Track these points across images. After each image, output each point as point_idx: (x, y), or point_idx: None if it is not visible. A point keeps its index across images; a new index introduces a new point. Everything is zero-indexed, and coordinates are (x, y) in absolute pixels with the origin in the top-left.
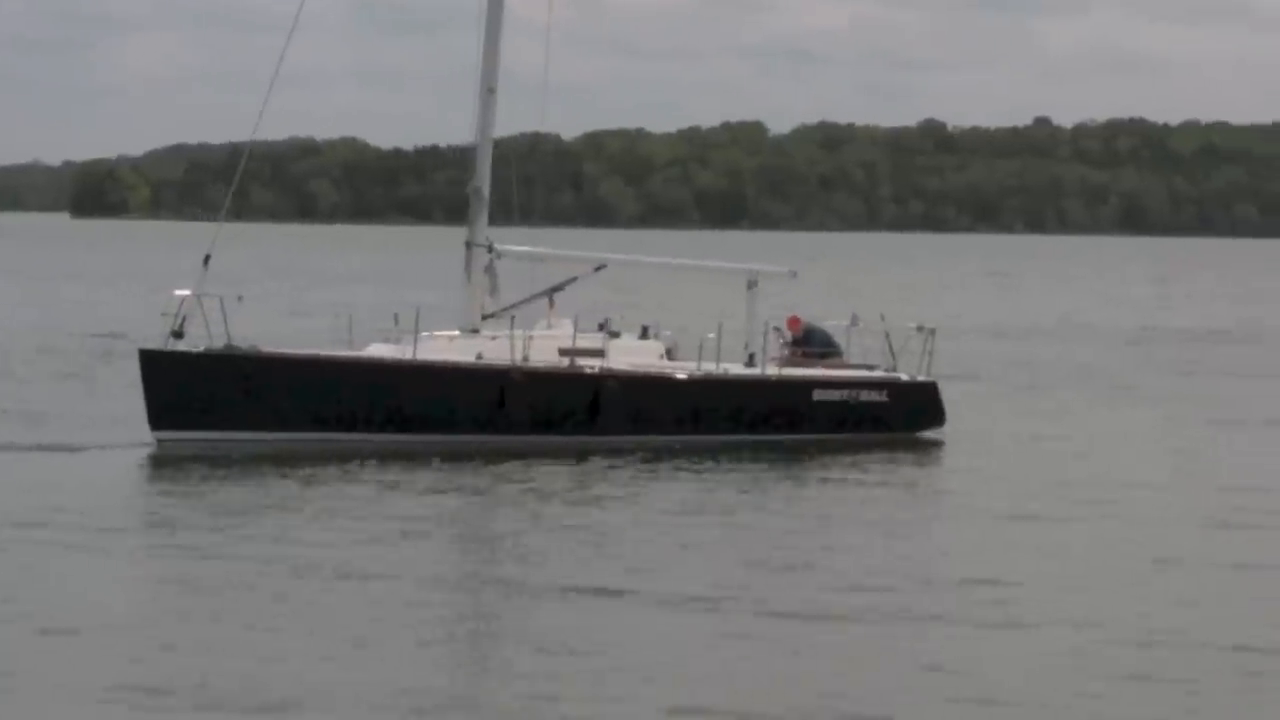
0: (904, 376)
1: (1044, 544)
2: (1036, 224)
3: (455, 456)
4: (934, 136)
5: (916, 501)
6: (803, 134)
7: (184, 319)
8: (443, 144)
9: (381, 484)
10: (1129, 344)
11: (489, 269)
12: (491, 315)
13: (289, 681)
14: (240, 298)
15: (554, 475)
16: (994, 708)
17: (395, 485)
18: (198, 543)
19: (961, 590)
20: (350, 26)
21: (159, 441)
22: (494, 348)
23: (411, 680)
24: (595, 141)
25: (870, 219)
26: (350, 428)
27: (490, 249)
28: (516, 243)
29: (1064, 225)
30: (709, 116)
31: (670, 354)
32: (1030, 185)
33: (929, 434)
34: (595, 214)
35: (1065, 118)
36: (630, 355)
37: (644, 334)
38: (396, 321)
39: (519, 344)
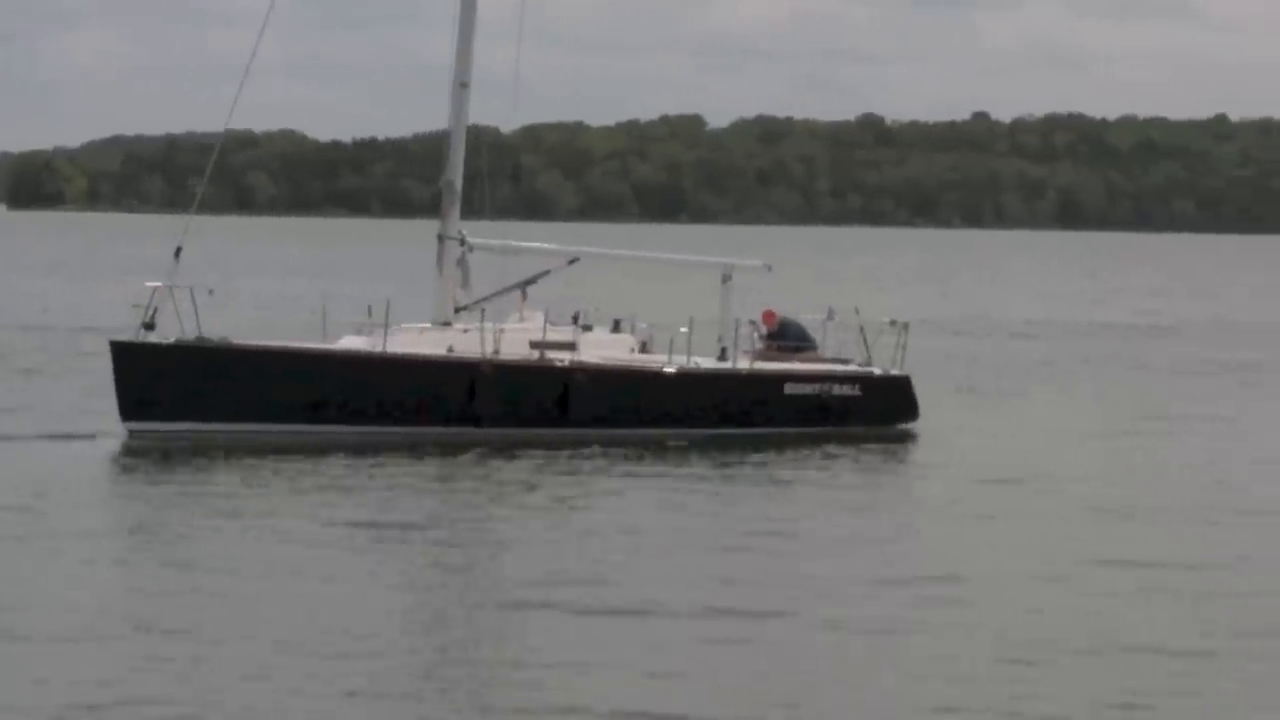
0: (877, 371)
1: (1002, 542)
2: (974, 218)
3: (425, 449)
4: (872, 130)
5: (881, 499)
6: (741, 128)
7: (155, 310)
8: (381, 137)
9: (350, 479)
10: (1085, 338)
11: (461, 262)
12: (464, 308)
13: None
14: (211, 290)
15: (522, 471)
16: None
17: (363, 480)
18: (164, 543)
19: (916, 589)
20: (289, 20)
21: (130, 432)
22: (465, 340)
23: (373, 689)
24: (534, 135)
25: (808, 213)
26: (321, 420)
27: (462, 242)
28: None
29: (1001, 219)
30: (648, 110)
31: (645, 347)
32: (968, 179)
33: (903, 428)
34: (534, 207)
35: (1003, 112)
36: (601, 349)
37: (616, 327)
38: (370, 314)
39: (490, 337)
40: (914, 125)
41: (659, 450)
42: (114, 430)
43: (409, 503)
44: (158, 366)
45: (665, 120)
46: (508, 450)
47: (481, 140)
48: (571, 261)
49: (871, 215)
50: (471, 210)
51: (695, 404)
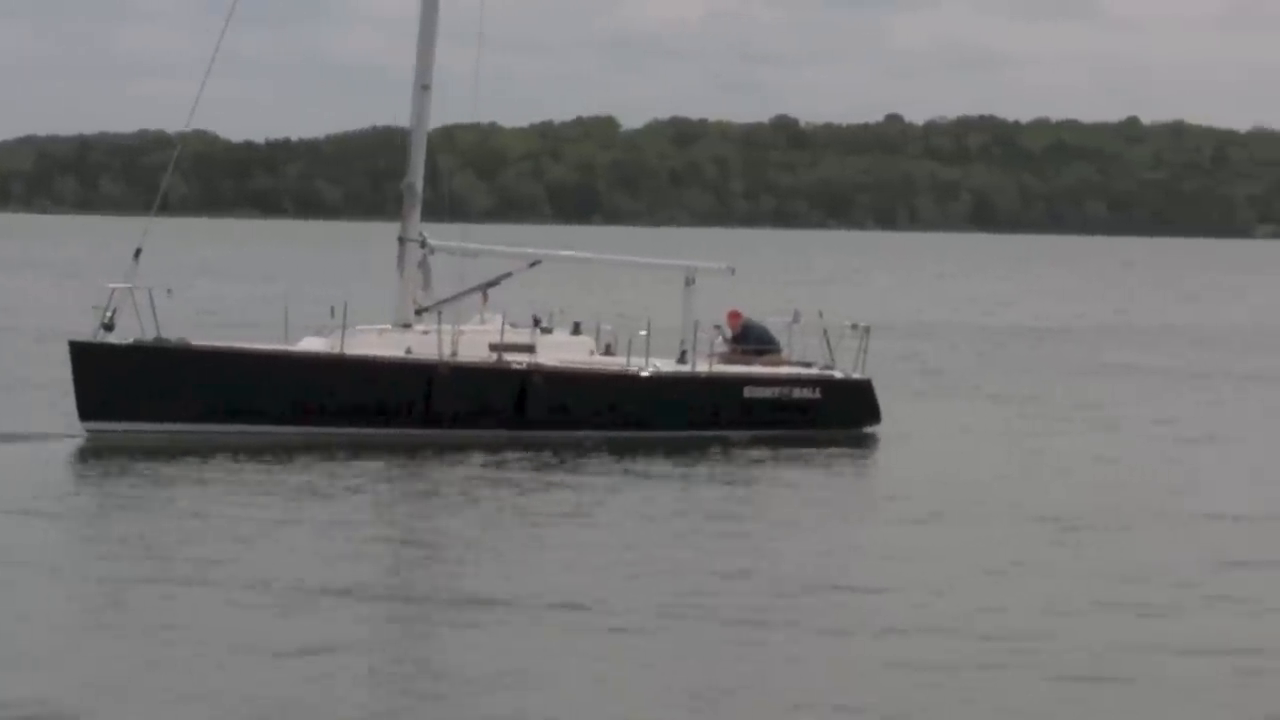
0: (838, 374)
1: (950, 548)
2: (888, 220)
3: (381, 450)
4: (786, 132)
5: (830, 503)
6: (655, 129)
7: (114, 311)
8: (294, 137)
9: (307, 479)
10: (1023, 340)
11: (422, 264)
12: (425, 310)
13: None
14: (169, 291)
15: (478, 474)
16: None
17: (319, 481)
18: (120, 543)
19: (859, 597)
20: (199, 17)
21: (88, 432)
22: (423, 342)
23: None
24: (448, 135)
25: (722, 214)
26: (279, 420)
27: (423, 244)
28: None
29: (915, 221)
30: (562, 110)
31: (610, 350)
32: (881, 181)
33: (864, 431)
34: (448, 207)
35: (916, 114)
36: (560, 351)
37: (576, 330)
38: (332, 314)
39: (448, 339)
40: (827, 127)
41: (610, 453)
42: (73, 430)
43: (362, 504)
44: (116, 367)
45: (579, 121)
46: (464, 451)
47: (394, 140)
48: (533, 264)
49: (785, 217)
50: (381, 210)
51: (653, 406)
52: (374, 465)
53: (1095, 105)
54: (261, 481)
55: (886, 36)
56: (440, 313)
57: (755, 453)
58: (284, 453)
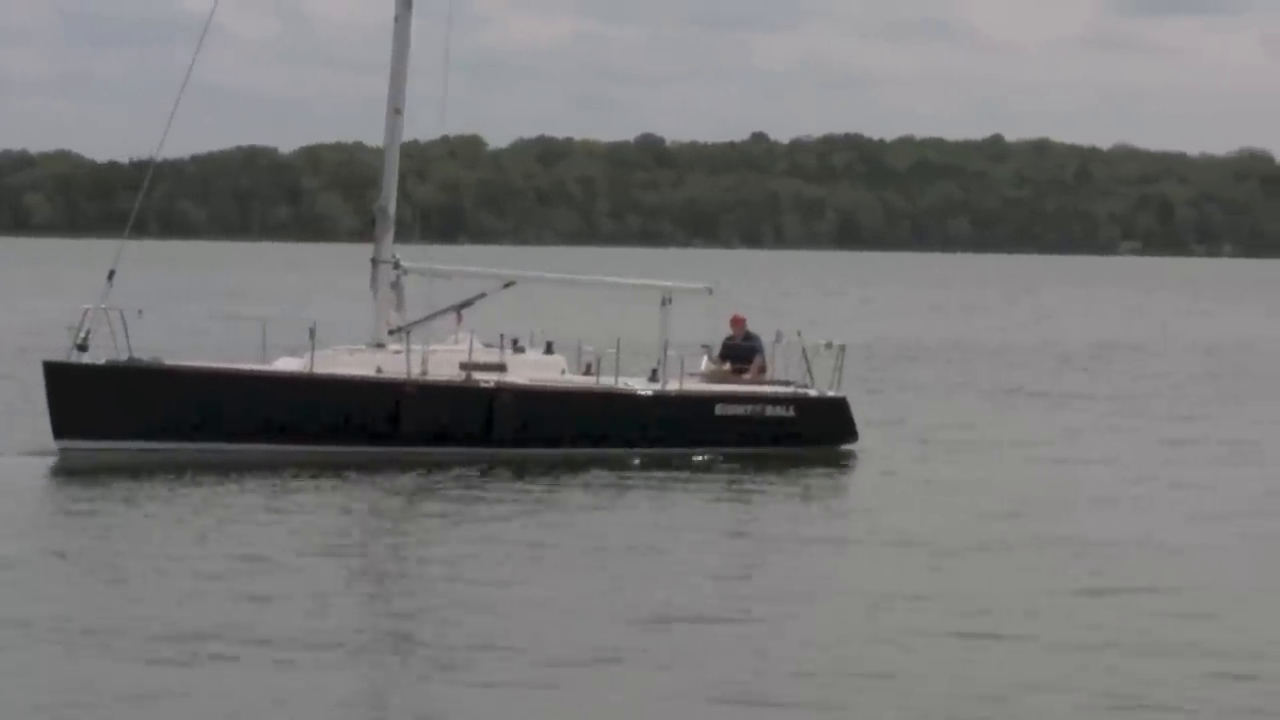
0: (812, 392)
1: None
2: (753, 238)
3: (351, 468)
4: (651, 151)
5: (794, 523)
6: (521, 148)
7: (88, 332)
8: (158, 158)
9: (276, 498)
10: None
11: (395, 285)
12: (398, 330)
13: None
14: (140, 311)
15: (446, 492)
16: None
17: (290, 500)
18: (90, 560)
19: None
20: (60, 37)
21: (62, 450)
22: (394, 362)
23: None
24: (313, 155)
25: (588, 233)
26: (250, 439)
27: (396, 266)
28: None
29: (780, 240)
30: (427, 130)
31: (590, 369)
32: (747, 200)
33: (840, 449)
34: (312, 228)
35: (782, 133)
36: (531, 370)
37: (548, 350)
38: (312, 335)
39: (418, 358)
40: (692, 146)
41: (574, 471)
42: (47, 448)
43: (330, 522)
44: (90, 386)
45: (445, 140)
46: (433, 469)
47: (258, 161)
48: (507, 285)
49: (650, 236)
50: (247, 230)
51: (621, 424)
52: (341, 483)
53: (959, 124)
54: (231, 499)
55: (751, 56)
56: (409, 333)
57: (722, 472)
58: (255, 470)
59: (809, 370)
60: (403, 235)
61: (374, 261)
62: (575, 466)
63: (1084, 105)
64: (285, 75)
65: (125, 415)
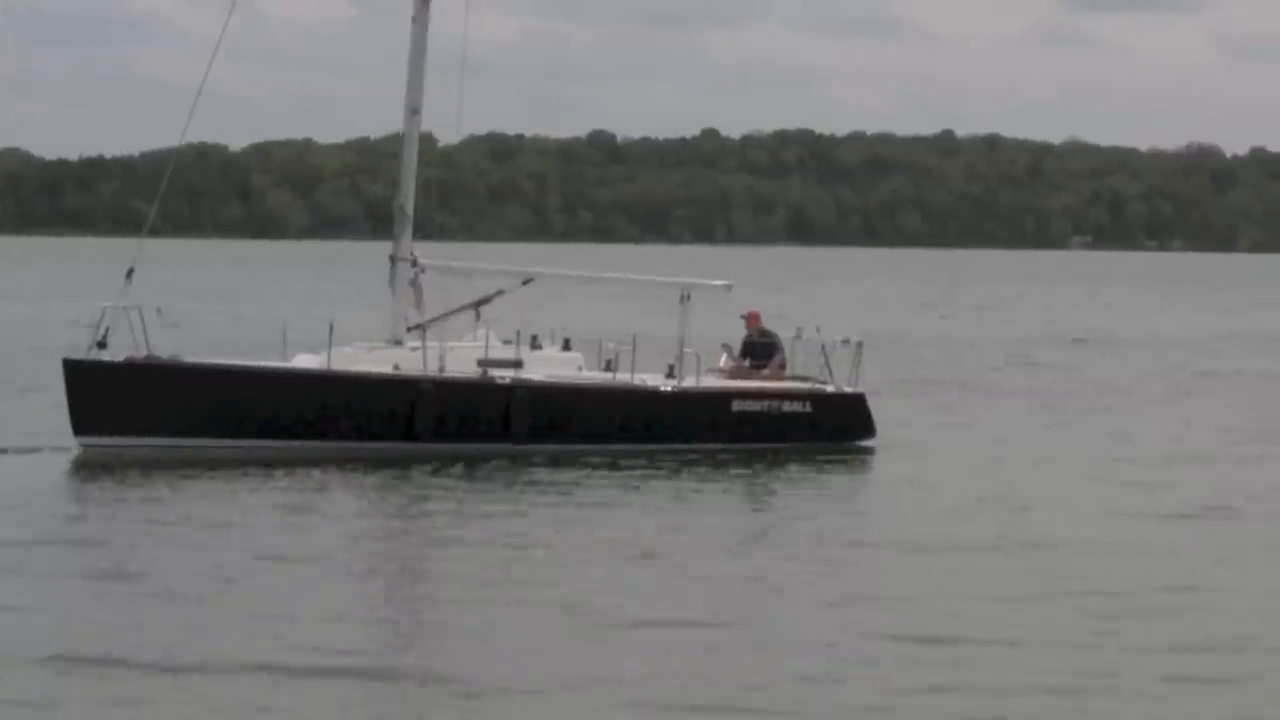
0: (830, 388)
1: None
2: (705, 234)
3: (368, 464)
4: (603, 148)
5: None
6: (472, 145)
7: (107, 330)
8: (108, 154)
9: (294, 495)
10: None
11: (414, 283)
12: (417, 327)
13: None
14: (159, 310)
15: (463, 486)
16: None
17: (306, 498)
18: (109, 557)
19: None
20: (5, 36)
21: (82, 447)
22: (412, 358)
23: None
24: (263, 152)
25: (540, 230)
26: (268, 435)
27: (414, 264)
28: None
29: (732, 236)
30: (377, 127)
31: (610, 366)
32: (698, 196)
33: (858, 445)
34: (263, 225)
35: (732, 129)
36: (548, 367)
37: (566, 346)
38: (331, 332)
39: (435, 355)
40: (644, 142)
41: (589, 467)
42: (67, 444)
43: (347, 521)
44: (109, 383)
45: (395, 138)
46: (450, 465)
47: (209, 158)
48: (526, 282)
49: (602, 232)
50: (198, 228)
51: (637, 420)
52: (359, 478)
53: (910, 119)
54: (249, 495)
55: (702, 52)
56: (426, 330)
57: (738, 468)
58: (272, 467)
59: (828, 366)
60: (355, 232)
61: (392, 259)
62: (591, 463)
63: (1035, 101)
64: (235, 72)
65: (144, 412)
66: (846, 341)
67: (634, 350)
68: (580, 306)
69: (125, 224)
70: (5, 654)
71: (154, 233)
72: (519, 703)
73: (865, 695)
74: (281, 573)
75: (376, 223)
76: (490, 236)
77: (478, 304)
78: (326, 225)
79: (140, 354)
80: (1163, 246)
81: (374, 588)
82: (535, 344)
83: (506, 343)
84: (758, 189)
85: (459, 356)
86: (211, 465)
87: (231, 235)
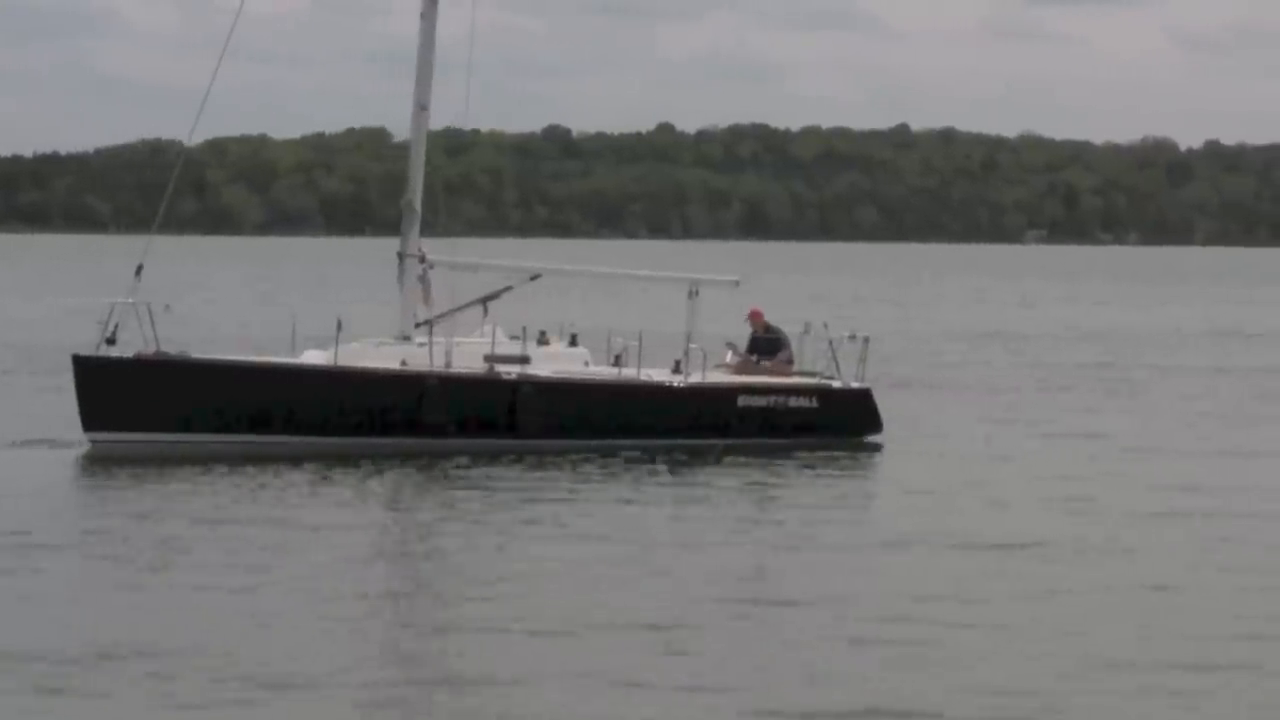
0: (836, 383)
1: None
2: (660, 229)
3: (376, 459)
4: (558, 142)
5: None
6: (428, 139)
7: (116, 326)
8: (63, 151)
9: (301, 491)
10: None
11: (422, 278)
12: (425, 323)
13: None
14: (167, 306)
15: (472, 482)
16: None
17: (316, 491)
18: (118, 552)
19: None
20: None
21: (92, 442)
22: (418, 354)
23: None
24: (218, 148)
25: (497, 224)
26: (276, 430)
27: (422, 260)
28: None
29: (687, 230)
30: (333, 123)
31: (619, 361)
32: (653, 190)
33: (864, 440)
34: (218, 221)
35: (688, 123)
36: (555, 362)
37: (573, 342)
38: (340, 328)
39: (442, 351)
40: (599, 136)
41: (596, 462)
42: (77, 439)
43: (354, 518)
44: (119, 379)
45: (351, 132)
46: (458, 460)
47: (163, 154)
48: (534, 278)
49: (558, 227)
50: (152, 224)
51: (643, 415)
52: (366, 474)
53: (865, 113)
54: (258, 490)
55: (656, 46)
56: (433, 326)
57: (740, 463)
58: (279, 463)
59: (835, 361)
60: (310, 228)
61: (400, 255)
62: (597, 459)
63: (990, 94)
64: (187, 66)
65: (153, 408)
66: (853, 337)
67: (640, 346)
68: (591, 302)
69: (80, 220)
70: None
71: (104, 228)
72: (518, 703)
73: (863, 696)
74: (284, 572)
75: (331, 218)
76: (446, 232)
77: (485, 300)
78: (282, 221)
79: (149, 350)
80: (1118, 240)
81: (375, 584)
82: (543, 339)
83: (514, 338)
84: (713, 183)
85: (466, 352)
86: (220, 461)
87: (185, 231)
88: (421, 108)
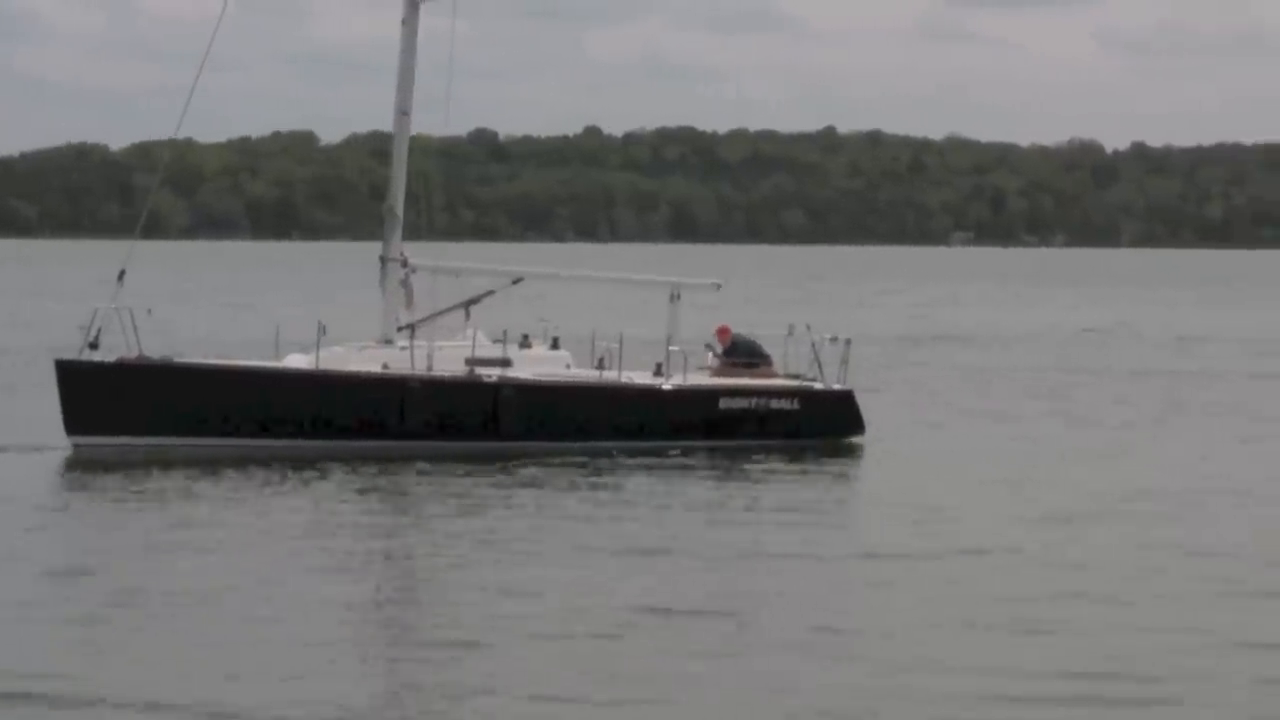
0: (818, 385)
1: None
2: (588, 232)
3: (357, 462)
4: (485, 145)
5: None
6: (354, 143)
7: (99, 331)
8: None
9: (283, 495)
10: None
11: (404, 283)
12: (407, 327)
13: None
14: (149, 311)
15: (453, 485)
16: None
17: (293, 497)
18: (101, 559)
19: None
20: None
21: (74, 446)
22: (400, 358)
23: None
24: (144, 151)
25: (422, 227)
26: (259, 434)
27: (404, 264)
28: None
29: (615, 233)
30: (259, 126)
31: (603, 364)
32: (581, 193)
33: (846, 442)
34: (145, 225)
35: (615, 126)
36: (536, 365)
37: (554, 345)
38: (323, 332)
39: (423, 354)
40: (526, 139)
41: (579, 465)
42: (59, 444)
43: (338, 515)
44: (101, 384)
45: (277, 136)
46: (438, 462)
47: (90, 157)
48: (515, 281)
49: (485, 230)
50: (79, 228)
51: (624, 418)
52: (347, 477)
53: (792, 116)
54: (237, 493)
55: (584, 49)
56: (414, 329)
57: (724, 465)
58: (262, 466)
59: (818, 363)
60: (236, 232)
61: (383, 259)
62: (578, 461)
63: (916, 96)
64: (113, 70)
65: (136, 412)
66: (835, 339)
67: (620, 348)
68: (571, 306)
69: (6, 224)
70: None
71: (30, 233)
72: (518, 700)
73: (847, 698)
74: (268, 578)
75: (257, 222)
76: (371, 235)
77: (467, 304)
78: (208, 225)
79: (132, 354)
80: (1044, 242)
81: (363, 588)
82: (525, 343)
83: (496, 341)
84: (640, 186)
85: (448, 355)
86: (202, 465)
87: (111, 235)
88: (402, 113)
